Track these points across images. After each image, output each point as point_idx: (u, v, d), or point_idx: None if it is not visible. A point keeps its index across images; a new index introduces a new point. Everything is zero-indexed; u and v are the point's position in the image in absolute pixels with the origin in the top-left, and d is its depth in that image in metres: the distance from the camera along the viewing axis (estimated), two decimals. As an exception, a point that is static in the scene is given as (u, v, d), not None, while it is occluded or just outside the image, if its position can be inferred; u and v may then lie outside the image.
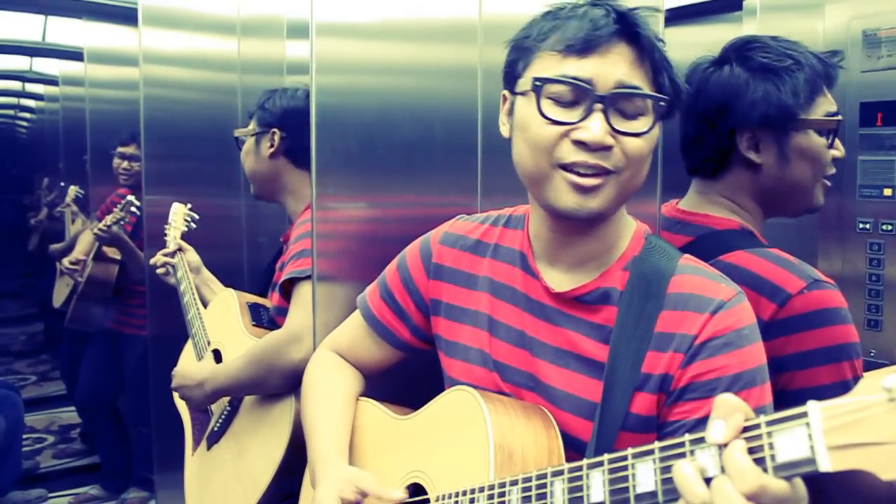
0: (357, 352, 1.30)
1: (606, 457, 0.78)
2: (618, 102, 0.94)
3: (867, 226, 1.88)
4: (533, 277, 1.07)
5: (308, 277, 1.65)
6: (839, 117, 1.25)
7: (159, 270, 2.21)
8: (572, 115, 0.94)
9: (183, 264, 2.15)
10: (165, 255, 2.21)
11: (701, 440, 0.69)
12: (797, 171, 1.24)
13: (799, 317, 1.09)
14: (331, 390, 1.26)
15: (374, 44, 1.43)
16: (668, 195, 1.38)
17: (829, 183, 1.30)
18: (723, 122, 1.24)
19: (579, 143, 0.93)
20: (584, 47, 0.94)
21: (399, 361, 1.29)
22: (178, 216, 2.35)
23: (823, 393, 1.08)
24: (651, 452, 0.73)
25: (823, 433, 0.59)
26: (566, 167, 0.95)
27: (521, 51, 1.01)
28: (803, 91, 1.20)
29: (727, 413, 0.68)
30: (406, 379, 1.32)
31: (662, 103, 0.96)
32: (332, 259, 1.42)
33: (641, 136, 0.95)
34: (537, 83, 0.96)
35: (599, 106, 0.93)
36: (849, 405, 0.59)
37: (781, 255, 1.16)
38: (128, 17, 3.33)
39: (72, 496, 3.71)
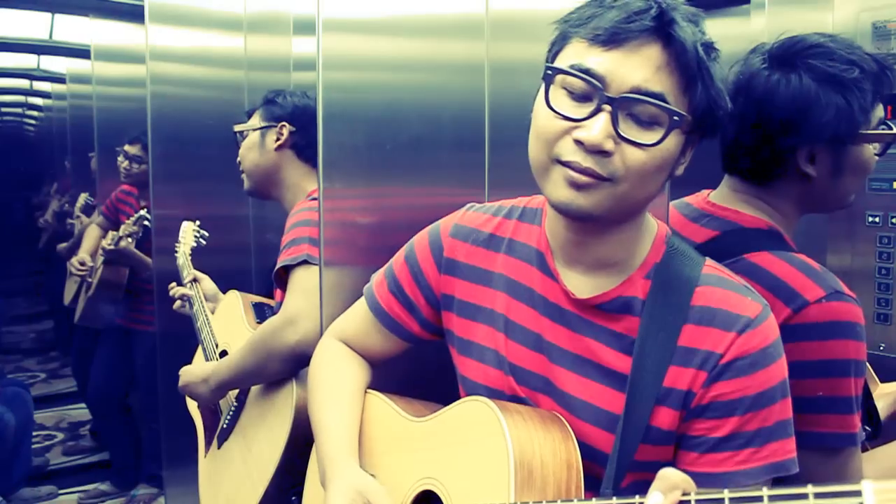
0: (364, 342, 1.27)
1: (637, 499, 0.77)
2: (631, 107, 0.88)
3: (876, 219, 1.87)
4: (552, 279, 1.04)
5: (300, 263, 1.66)
6: (894, 130, 1.21)
7: (176, 305, 2.22)
8: (581, 110, 0.89)
9: (199, 296, 2.17)
10: (181, 289, 2.22)
11: (746, 500, 0.68)
12: (847, 181, 1.22)
13: (811, 325, 1.07)
14: (338, 383, 1.24)
15: (380, 39, 1.43)
16: (676, 190, 1.37)
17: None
18: (787, 136, 1.18)
19: (579, 143, 0.88)
20: (609, 39, 0.87)
21: (406, 350, 1.28)
22: (188, 233, 2.38)
23: (823, 405, 1.08)
24: (688, 503, 0.72)
25: None
26: (563, 163, 0.90)
27: (559, 34, 0.96)
28: (869, 105, 1.17)
29: (667, 488, 0.73)
30: (415, 368, 1.32)
31: (677, 118, 0.87)
32: (338, 248, 1.42)
33: (645, 147, 0.88)
34: (548, 72, 0.92)
35: (608, 107, 0.87)
36: None
37: (806, 262, 1.14)
38: (134, 14, 3.34)
39: (81, 493, 3.73)
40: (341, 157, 1.41)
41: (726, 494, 0.68)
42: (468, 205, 1.21)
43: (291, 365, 1.64)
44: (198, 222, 2.42)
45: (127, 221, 3.28)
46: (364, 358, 1.29)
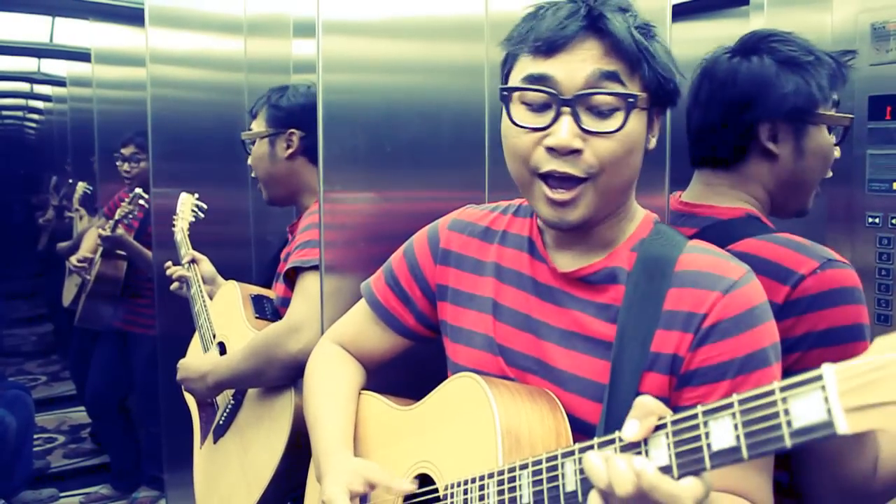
0: (361, 340, 1.29)
1: (618, 434, 0.78)
2: (588, 101, 0.92)
3: (876, 220, 1.87)
4: (540, 261, 1.07)
5: (312, 268, 1.65)
6: (850, 115, 1.26)
7: (173, 286, 2.20)
8: (544, 119, 0.94)
9: (196, 277, 2.14)
10: (179, 271, 2.19)
11: (717, 409, 0.69)
12: (808, 166, 1.26)
13: (811, 297, 1.08)
14: (334, 383, 1.26)
15: (380, 41, 1.43)
16: (675, 188, 1.37)
17: (819, 189, 1.31)
18: (750, 111, 1.23)
19: (551, 150, 0.93)
20: (550, 47, 0.93)
21: (402, 351, 1.29)
22: (186, 207, 2.35)
23: None
24: (664, 426, 0.73)
25: (839, 395, 0.59)
26: (543, 177, 0.95)
27: (506, 54, 1.02)
28: (826, 87, 1.22)
29: (643, 414, 0.74)
30: (409, 372, 1.32)
31: (631, 99, 0.92)
32: (339, 252, 1.43)
33: (612, 135, 0.92)
34: (504, 93, 0.97)
35: (567, 109, 0.92)
36: (864, 365, 0.59)
37: (792, 238, 1.16)
38: (134, 17, 3.34)
39: (82, 495, 3.73)
40: (342, 159, 1.41)
41: (699, 409, 0.70)
42: (467, 205, 1.25)
43: (292, 372, 1.64)
44: (196, 195, 2.38)
45: (123, 203, 3.25)
46: (360, 361, 1.31)
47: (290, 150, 1.92)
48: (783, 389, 0.63)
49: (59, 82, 5.60)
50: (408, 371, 1.32)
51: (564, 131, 0.92)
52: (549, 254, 1.07)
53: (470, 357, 1.12)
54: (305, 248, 1.70)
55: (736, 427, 0.66)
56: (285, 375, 1.66)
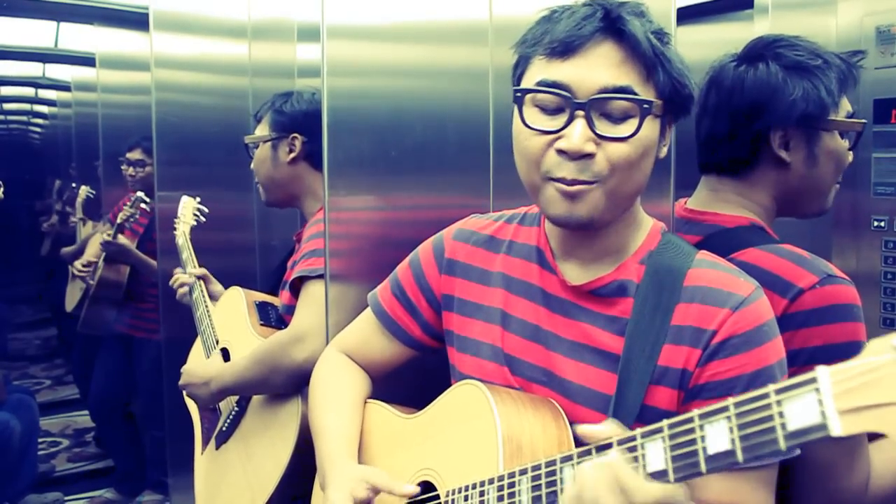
0: (366, 350, 1.30)
1: (615, 439, 0.78)
2: (602, 106, 0.92)
3: (882, 224, 1.86)
4: (550, 272, 1.07)
5: (318, 277, 1.65)
6: (864, 120, 1.26)
7: (179, 292, 2.21)
8: (556, 122, 0.93)
9: (200, 285, 2.15)
10: (185, 282, 2.20)
11: (713, 413, 0.70)
12: (821, 172, 1.25)
13: (808, 312, 1.08)
14: (339, 392, 1.26)
15: (384, 46, 1.44)
16: (679, 194, 1.37)
17: (838, 186, 1.30)
18: (759, 119, 1.23)
19: (562, 153, 0.92)
20: (566, 50, 0.92)
21: (408, 361, 1.29)
22: (188, 210, 2.34)
23: None
24: (660, 430, 0.74)
25: (834, 397, 0.60)
26: (554, 180, 0.94)
27: (519, 57, 1.01)
28: (835, 90, 1.21)
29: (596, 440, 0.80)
30: (415, 381, 1.31)
31: (647, 105, 0.91)
32: (345, 260, 1.43)
33: (626, 140, 0.92)
34: (517, 94, 0.96)
35: (581, 112, 0.91)
36: (858, 367, 0.59)
37: (794, 251, 1.15)
38: (139, 22, 3.34)
39: (87, 499, 3.73)
40: (346, 164, 1.41)
41: (696, 413, 0.71)
42: (472, 215, 1.25)
43: (297, 381, 1.64)
44: (198, 199, 2.39)
45: (125, 207, 3.26)
46: (365, 370, 1.31)
47: (292, 155, 1.92)
48: (778, 392, 0.64)
49: (63, 87, 5.61)
50: (413, 380, 1.32)
51: (577, 135, 0.91)
52: (557, 264, 1.07)
53: (476, 367, 1.12)
54: (312, 256, 1.70)
55: (731, 430, 0.67)
56: (290, 384, 1.66)
